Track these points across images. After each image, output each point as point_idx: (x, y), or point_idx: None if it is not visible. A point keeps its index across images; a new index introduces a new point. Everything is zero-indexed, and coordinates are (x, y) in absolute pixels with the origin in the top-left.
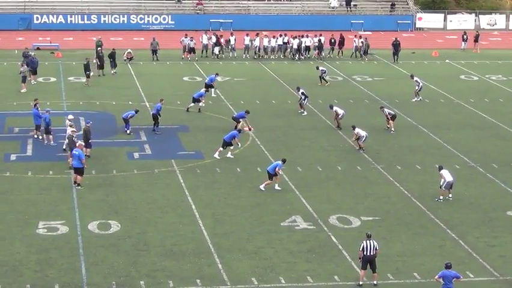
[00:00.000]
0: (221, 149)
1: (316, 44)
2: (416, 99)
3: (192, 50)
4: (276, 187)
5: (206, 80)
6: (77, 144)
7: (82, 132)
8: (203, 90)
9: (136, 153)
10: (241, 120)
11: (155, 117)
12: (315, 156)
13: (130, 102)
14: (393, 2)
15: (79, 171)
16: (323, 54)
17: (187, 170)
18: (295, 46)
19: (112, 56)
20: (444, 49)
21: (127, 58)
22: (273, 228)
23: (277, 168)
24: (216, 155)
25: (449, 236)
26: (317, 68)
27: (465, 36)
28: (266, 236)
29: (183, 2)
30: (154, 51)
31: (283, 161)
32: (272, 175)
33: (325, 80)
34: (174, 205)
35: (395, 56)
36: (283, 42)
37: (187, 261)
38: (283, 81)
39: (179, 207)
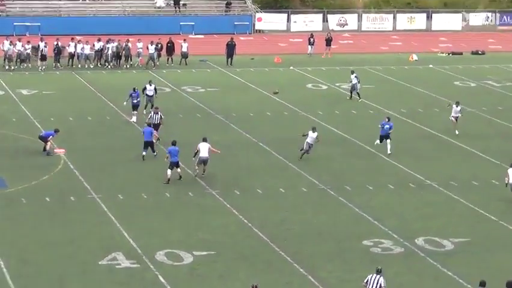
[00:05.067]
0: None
1: (140, 50)
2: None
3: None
4: None
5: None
6: None
7: None
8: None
9: None
10: (49, 139)
11: None
12: (139, 181)
13: None
14: (229, 1)
15: None
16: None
17: None
18: (110, 51)
19: None
20: (288, 54)
21: None
22: (89, 268)
23: None
24: None
25: (297, 271)
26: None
27: (311, 40)
28: (81, 278)
29: None
30: None
31: None
32: None
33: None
34: None
35: (229, 59)
36: (100, 49)
37: None
38: (101, 94)
39: None
